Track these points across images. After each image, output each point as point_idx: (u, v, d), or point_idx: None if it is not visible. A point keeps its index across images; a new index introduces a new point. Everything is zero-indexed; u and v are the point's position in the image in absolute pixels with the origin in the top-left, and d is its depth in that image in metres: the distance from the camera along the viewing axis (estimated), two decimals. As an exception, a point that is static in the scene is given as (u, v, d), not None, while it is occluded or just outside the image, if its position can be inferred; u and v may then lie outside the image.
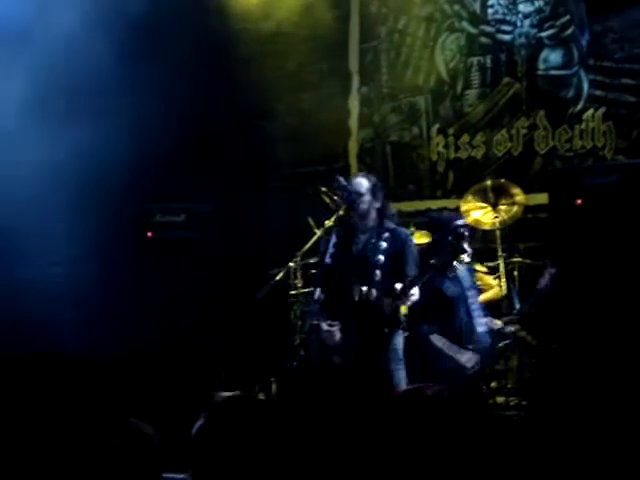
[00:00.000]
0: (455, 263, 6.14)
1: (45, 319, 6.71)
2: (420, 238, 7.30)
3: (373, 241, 5.58)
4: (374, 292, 5.43)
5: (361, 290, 5.44)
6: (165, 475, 3.39)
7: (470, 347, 6.08)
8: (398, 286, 5.35)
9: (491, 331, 6.48)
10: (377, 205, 5.71)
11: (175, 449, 2.90)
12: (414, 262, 5.57)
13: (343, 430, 5.27)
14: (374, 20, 8.77)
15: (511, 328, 6.86)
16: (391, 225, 5.72)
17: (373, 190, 5.71)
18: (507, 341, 6.82)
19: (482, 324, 6.19)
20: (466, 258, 6.15)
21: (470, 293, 6.18)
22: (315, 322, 6.24)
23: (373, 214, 5.70)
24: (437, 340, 6.01)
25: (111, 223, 7.15)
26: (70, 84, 7.28)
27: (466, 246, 6.11)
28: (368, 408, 5.23)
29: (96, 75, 7.27)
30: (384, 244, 5.52)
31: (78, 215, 6.97)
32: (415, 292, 5.42)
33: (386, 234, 5.57)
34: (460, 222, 6.21)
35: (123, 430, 2.81)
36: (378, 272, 5.46)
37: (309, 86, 8.90)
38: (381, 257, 5.50)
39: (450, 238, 6.04)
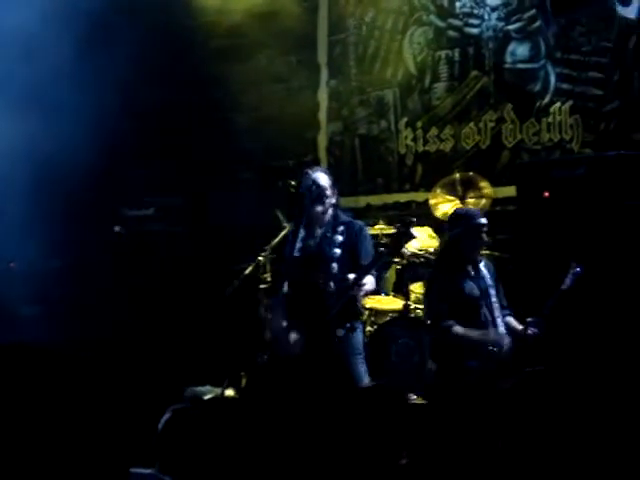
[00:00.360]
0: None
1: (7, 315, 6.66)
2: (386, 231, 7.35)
3: (329, 235, 5.60)
4: (332, 285, 5.44)
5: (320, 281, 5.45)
6: (132, 470, 3.37)
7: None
8: (351, 276, 5.37)
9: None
10: (334, 200, 5.73)
11: (143, 443, 2.89)
12: (369, 253, 5.57)
13: (307, 424, 5.29)
14: (342, 12, 8.78)
15: None
16: (346, 218, 5.74)
17: (332, 185, 5.73)
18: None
19: (502, 324, 5.85)
20: None
21: (492, 291, 5.72)
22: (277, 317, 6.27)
23: (331, 209, 5.71)
24: (460, 329, 5.55)
25: (78, 218, 7.11)
26: (29, 78, 7.22)
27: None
28: (330, 402, 5.25)
29: (56, 69, 7.21)
30: (340, 237, 5.55)
31: (42, 211, 6.92)
32: (368, 281, 5.43)
33: (341, 227, 5.60)
34: (483, 220, 5.86)
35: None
36: (335, 265, 5.48)
37: (278, 79, 8.89)
38: (337, 250, 5.52)
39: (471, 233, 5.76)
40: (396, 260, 7.22)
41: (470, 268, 5.70)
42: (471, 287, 5.62)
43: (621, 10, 7.32)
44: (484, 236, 5.73)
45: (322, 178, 5.68)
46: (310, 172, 5.80)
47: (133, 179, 7.64)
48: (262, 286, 7.37)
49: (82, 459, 2.70)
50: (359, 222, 5.87)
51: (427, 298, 5.90)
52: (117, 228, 6.70)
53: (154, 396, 6.68)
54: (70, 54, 7.08)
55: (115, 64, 7.36)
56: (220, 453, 3.00)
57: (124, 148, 7.85)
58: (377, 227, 7.44)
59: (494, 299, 5.69)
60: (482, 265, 5.76)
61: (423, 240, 7.29)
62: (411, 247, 7.04)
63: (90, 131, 6.93)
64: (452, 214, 5.99)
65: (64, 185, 7.23)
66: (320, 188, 5.62)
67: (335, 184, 5.78)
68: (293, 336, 5.58)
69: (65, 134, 6.78)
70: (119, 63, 7.42)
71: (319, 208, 5.63)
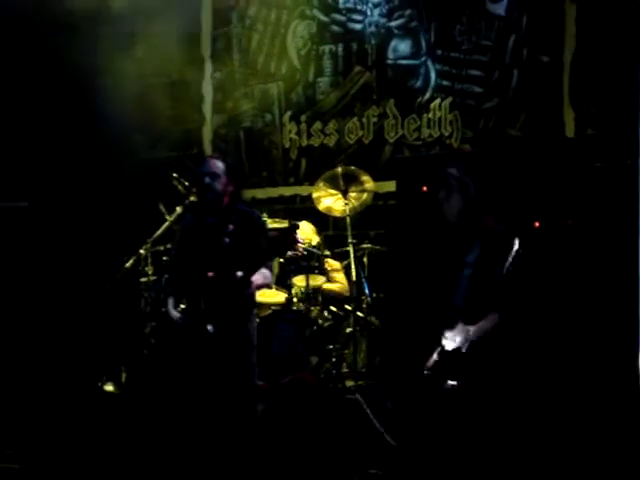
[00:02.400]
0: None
1: None
2: (272, 225, 7.36)
3: (221, 223, 5.53)
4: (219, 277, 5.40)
5: (209, 275, 5.39)
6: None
7: None
8: (239, 274, 5.33)
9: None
10: (231, 188, 5.66)
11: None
12: (261, 244, 5.53)
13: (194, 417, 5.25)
14: (226, 5, 8.74)
15: (360, 313, 6.97)
16: (242, 207, 5.69)
17: (228, 172, 5.66)
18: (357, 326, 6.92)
19: None
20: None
21: None
22: (164, 309, 6.18)
23: (226, 197, 5.64)
24: None
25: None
26: None
27: None
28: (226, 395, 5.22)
29: None
30: (231, 226, 5.49)
31: None
32: (263, 275, 5.42)
33: (234, 217, 5.54)
34: None
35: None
36: (225, 255, 5.43)
37: (161, 71, 8.77)
38: (227, 239, 5.46)
39: None
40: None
41: None
42: None
43: (490, 7, 7.50)
44: None
45: (216, 166, 5.63)
46: (206, 159, 5.76)
47: (10, 170, 7.45)
48: (143, 279, 7.31)
49: None
50: (255, 212, 5.83)
51: None
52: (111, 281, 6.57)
53: (31, 393, 6.61)
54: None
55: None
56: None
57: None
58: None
59: None
60: None
61: (306, 234, 7.32)
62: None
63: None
64: None
65: None
66: (212, 175, 5.57)
67: (234, 172, 5.73)
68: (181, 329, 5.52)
69: None
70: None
71: (210, 196, 5.57)
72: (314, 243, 7.22)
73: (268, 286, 6.20)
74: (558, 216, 6.38)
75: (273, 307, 7.21)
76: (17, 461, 5.71)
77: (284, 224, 7.16)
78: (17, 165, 8.02)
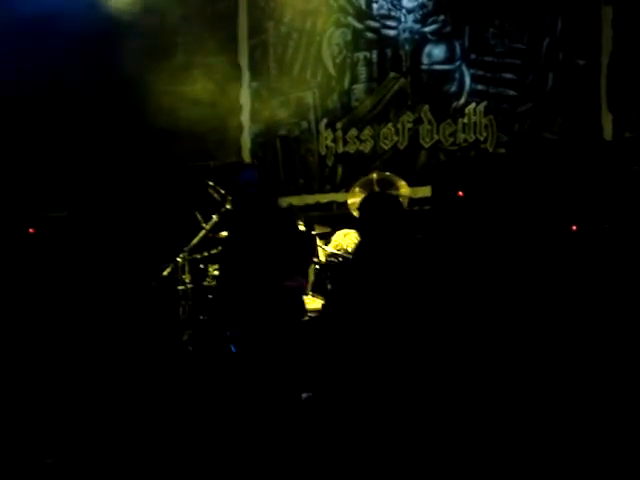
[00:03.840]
0: None
1: None
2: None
3: (258, 232, 5.59)
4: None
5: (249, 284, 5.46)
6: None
7: None
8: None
9: None
10: (267, 196, 5.73)
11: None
12: (300, 250, 5.60)
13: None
14: (261, 14, 8.79)
15: None
16: (277, 213, 5.75)
17: (262, 181, 5.73)
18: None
19: None
20: None
21: None
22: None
23: (261, 205, 5.71)
24: None
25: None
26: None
27: None
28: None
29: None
30: (268, 233, 5.55)
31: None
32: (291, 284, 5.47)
33: (270, 224, 5.60)
34: None
35: None
36: (266, 261, 5.48)
37: (200, 81, 8.85)
38: (264, 246, 5.52)
39: None
40: (315, 260, 7.26)
41: None
42: None
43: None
44: None
45: (253, 174, 5.69)
46: (244, 168, 5.83)
47: (50, 180, 7.58)
48: (180, 287, 7.37)
49: None
50: (291, 219, 5.89)
51: None
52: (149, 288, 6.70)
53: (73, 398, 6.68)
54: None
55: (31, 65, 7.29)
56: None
57: (45, 150, 7.81)
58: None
59: None
60: None
61: (340, 240, 7.36)
62: (329, 247, 7.12)
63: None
64: None
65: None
66: (249, 183, 5.63)
67: (267, 181, 5.79)
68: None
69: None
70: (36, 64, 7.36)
71: (247, 204, 5.63)
72: (349, 249, 7.25)
73: (303, 292, 6.24)
74: (595, 219, 6.35)
75: (310, 314, 7.23)
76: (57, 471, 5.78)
77: (325, 230, 7.23)
78: (57, 175, 8.15)
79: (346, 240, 7.44)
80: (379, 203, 4.95)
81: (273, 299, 5.50)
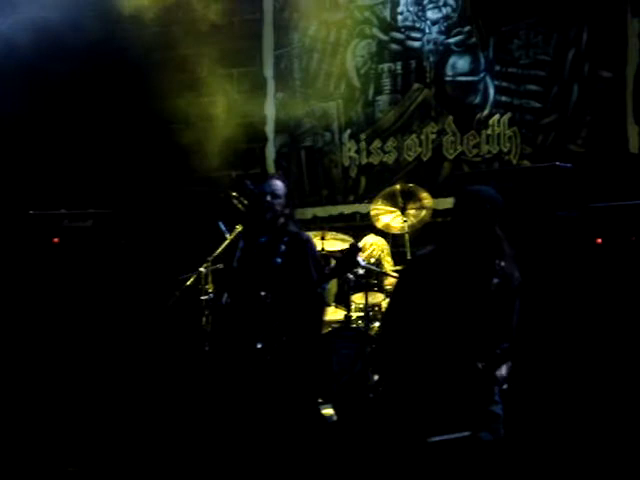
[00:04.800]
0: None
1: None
2: (333, 244, 7.39)
3: (273, 244, 5.56)
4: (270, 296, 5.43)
5: (260, 295, 5.42)
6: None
7: None
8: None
9: None
10: (287, 211, 5.68)
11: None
12: (314, 266, 5.55)
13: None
14: (286, 26, 8.82)
15: None
16: (294, 229, 5.69)
17: (287, 194, 5.69)
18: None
19: None
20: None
21: None
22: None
23: (282, 218, 5.67)
24: None
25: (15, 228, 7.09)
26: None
27: None
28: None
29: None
30: (283, 247, 5.51)
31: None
32: None
33: (286, 237, 5.55)
34: None
35: None
36: (277, 274, 5.45)
37: (224, 91, 8.89)
38: (279, 260, 5.49)
39: None
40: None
41: None
42: None
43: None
44: None
45: (277, 186, 5.66)
46: (268, 179, 5.80)
47: (72, 190, 7.63)
48: (203, 297, 7.38)
49: None
50: (305, 234, 5.83)
51: None
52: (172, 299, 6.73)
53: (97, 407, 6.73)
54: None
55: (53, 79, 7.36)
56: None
57: (70, 161, 7.87)
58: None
59: None
60: None
61: (381, 250, 7.39)
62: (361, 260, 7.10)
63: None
64: None
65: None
66: (273, 195, 5.60)
67: (291, 194, 5.76)
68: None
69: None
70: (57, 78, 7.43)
71: (268, 215, 5.60)
72: (372, 260, 7.24)
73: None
74: (621, 232, 6.31)
75: (332, 325, 7.23)
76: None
77: (348, 241, 7.19)
78: (82, 186, 8.19)
79: (373, 249, 7.45)
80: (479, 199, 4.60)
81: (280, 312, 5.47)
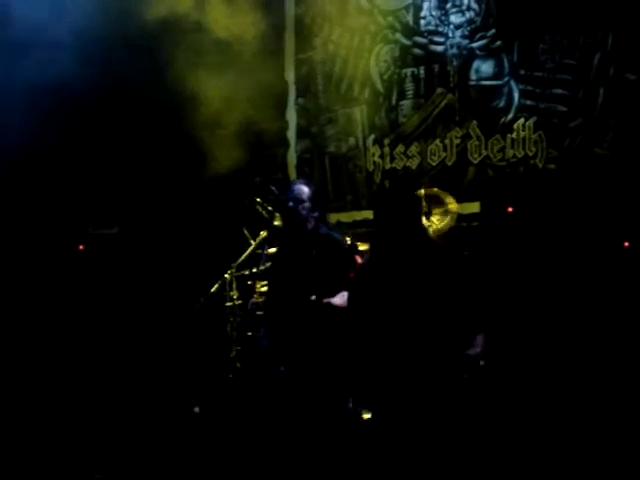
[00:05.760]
0: None
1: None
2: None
3: (305, 249, 5.53)
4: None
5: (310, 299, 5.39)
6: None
7: None
8: (313, 297, 5.33)
9: None
10: (315, 214, 5.63)
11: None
12: (344, 269, 5.51)
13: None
14: (309, 31, 8.82)
15: None
16: (325, 231, 5.64)
17: (313, 198, 5.64)
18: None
19: None
20: None
21: None
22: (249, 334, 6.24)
23: (311, 222, 5.62)
24: None
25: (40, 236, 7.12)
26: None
27: None
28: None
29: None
30: (315, 252, 5.47)
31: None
32: (341, 297, 5.39)
33: (318, 242, 5.52)
34: None
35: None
36: (309, 280, 5.42)
37: (245, 97, 8.88)
38: (311, 265, 5.45)
39: None
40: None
41: None
42: None
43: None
44: None
45: (301, 190, 5.62)
46: (291, 184, 5.78)
47: (97, 197, 7.65)
48: (228, 304, 7.38)
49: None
50: (336, 235, 5.78)
51: None
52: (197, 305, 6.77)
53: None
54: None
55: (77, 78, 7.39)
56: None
57: (95, 167, 7.90)
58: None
59: None
60: None
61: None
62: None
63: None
64: None
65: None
66: (297, 200, 5.57)
67: (319, 197, 5.70)
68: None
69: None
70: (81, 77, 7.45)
71: (295, 220, 5.57)
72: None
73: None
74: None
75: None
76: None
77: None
78: (107, 193, 8.22)
79: None
80: (393, 197, 4.70)
81: (315, 318, 5.45)
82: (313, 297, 5.30)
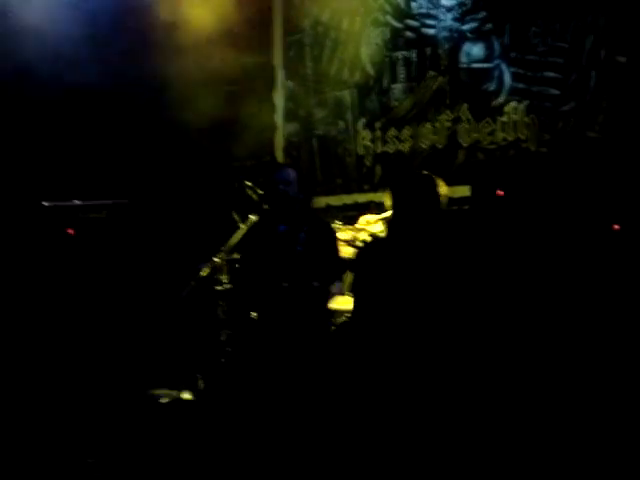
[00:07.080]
0: None
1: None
2: (346, 232, 7.34)
3: (293, 231, 5.55)
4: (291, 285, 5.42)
5: (282, 286, 5.41)
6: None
7: None
8: (316, 284, 5.34)
9: None
10: (301, 196, 5.70)
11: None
12: (332, 253, 5.54)
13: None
14: (297, 13, 8.77)
15: None
16: (313, 216, 5.70)
17: (299, 181, 5.70)
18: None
19: None
20: None
21: None
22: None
23: (297, 206, 5.67)
24: None
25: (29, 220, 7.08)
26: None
27: None
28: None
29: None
30: (303, 235, 5.50)
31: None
32: (336, 286, 5.42)
33: (306, 226, 5.54)
34: None
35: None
36: (298, 263, 5.44)
37: (233, 80, 8.83)
38: (300, 247, 5.48)
39: None
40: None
41: None
42: None
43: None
44: None
45: (288, 173, 5.66)
46: (279, 167, 5.82)
47: (85, 181, 7.61)
48: (218, 287, 7.34)
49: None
50: (326, 222, 5.83)
51: None
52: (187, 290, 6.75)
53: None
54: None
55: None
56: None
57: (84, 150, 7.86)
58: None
59: None
60: None
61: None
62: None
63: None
64: None
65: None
66: (285, 183, 5.60)
67: (304, 181, 5.75)
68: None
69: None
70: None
71: (283, 204, 5.59)
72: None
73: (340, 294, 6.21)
74: (638, 218, 6.29)
75: (347, 314, 7.18)
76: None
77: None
78: (96, 176, 8.16)
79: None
80: (415, 181, 4.86)
81: (303, 301, 5.46)
82: (316, 284, 5.32)
